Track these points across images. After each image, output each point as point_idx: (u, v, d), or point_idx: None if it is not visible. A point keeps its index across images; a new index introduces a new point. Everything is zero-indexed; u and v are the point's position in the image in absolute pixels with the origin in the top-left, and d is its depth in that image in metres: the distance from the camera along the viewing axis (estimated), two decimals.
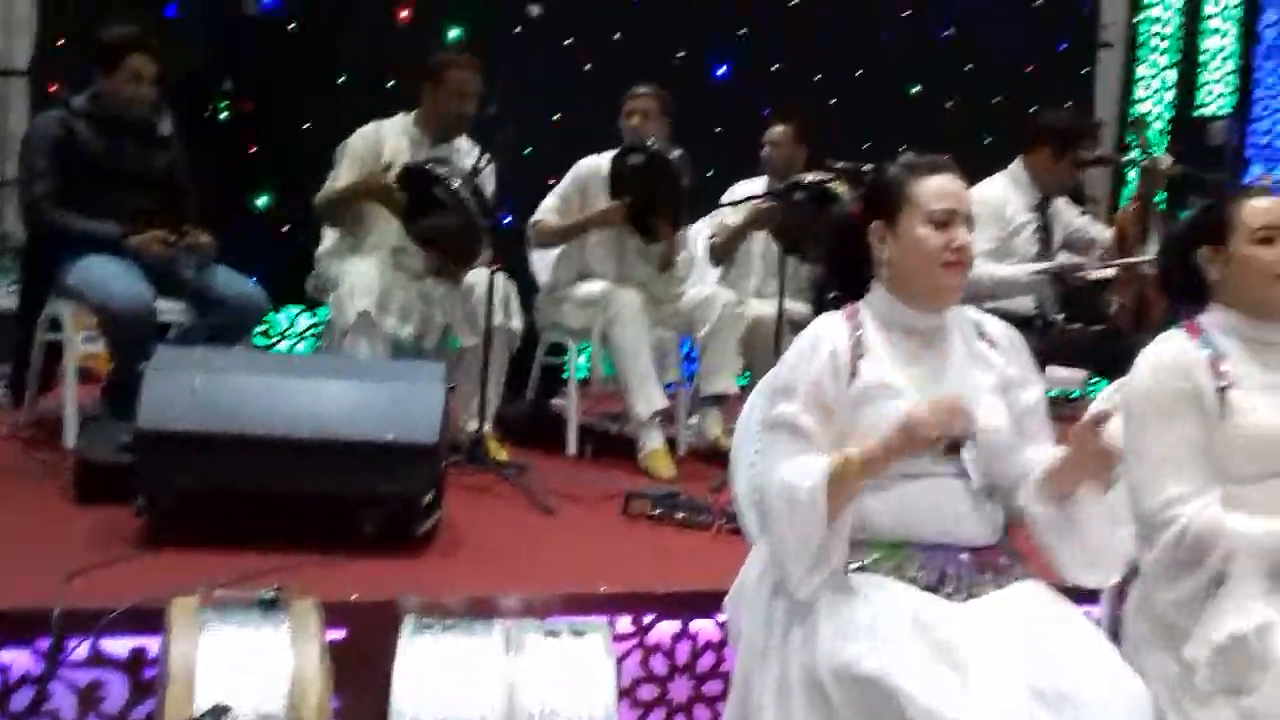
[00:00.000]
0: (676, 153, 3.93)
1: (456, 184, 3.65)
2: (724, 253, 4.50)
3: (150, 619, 2.04)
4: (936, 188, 1.92)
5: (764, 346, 4.07)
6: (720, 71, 6.07)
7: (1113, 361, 2.63)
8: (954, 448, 1.83)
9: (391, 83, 4.91)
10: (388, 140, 3.93)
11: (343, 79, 5.24)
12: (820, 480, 1.78)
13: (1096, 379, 3.85)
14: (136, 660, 2.17)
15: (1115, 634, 2.09)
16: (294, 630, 1.88)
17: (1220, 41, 7.50)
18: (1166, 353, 2.08)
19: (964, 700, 1.64)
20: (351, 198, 3.88)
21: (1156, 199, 4.37)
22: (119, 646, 2.17)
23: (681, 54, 5.88)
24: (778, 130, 4.54)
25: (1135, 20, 7.28)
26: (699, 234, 4.54)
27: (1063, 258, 4.07)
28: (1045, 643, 1.74)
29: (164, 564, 2.49)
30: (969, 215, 1.94)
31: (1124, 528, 2.12)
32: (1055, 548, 1.88)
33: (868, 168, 2.56)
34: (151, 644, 2.12)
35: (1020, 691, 1.66)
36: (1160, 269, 2.32)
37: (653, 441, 3.92)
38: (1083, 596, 1.99)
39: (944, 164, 1.96)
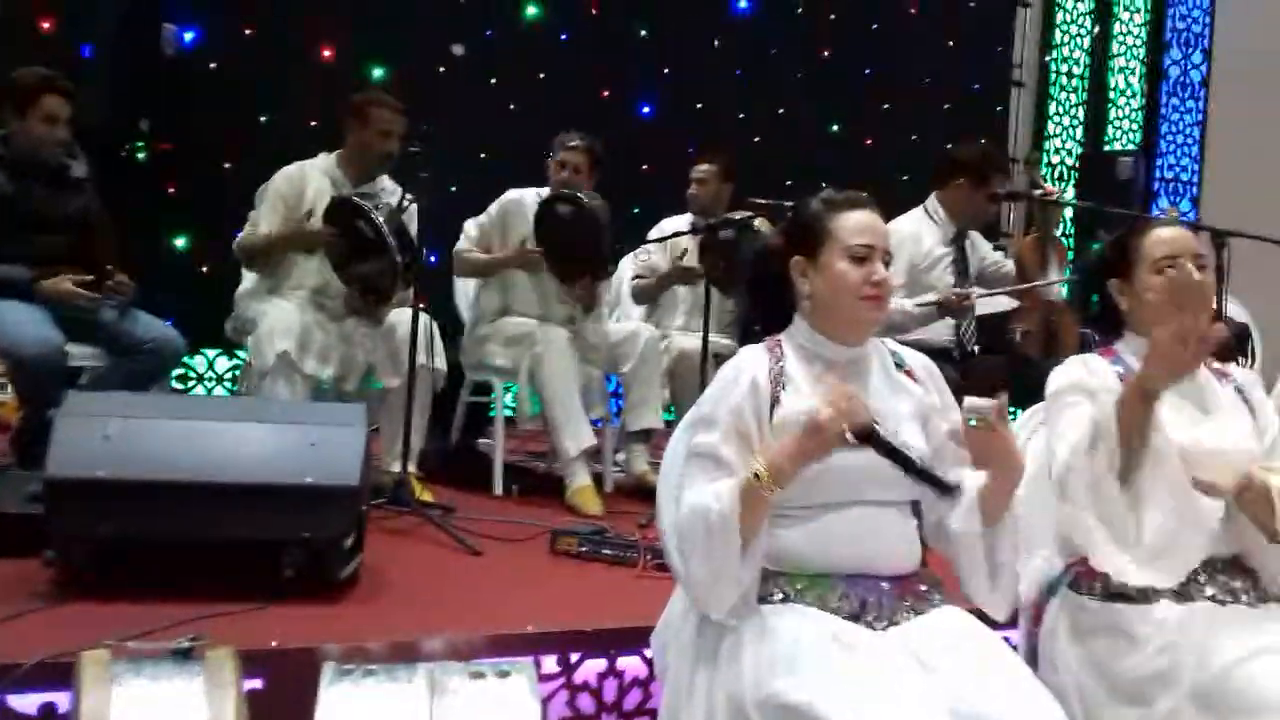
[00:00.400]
0: (599, 202, 3.94)
1: (380, 218, 3.63)
2: (649, 298, 4.55)
3: (60, 673, 1.98)
4: (856, 223, 1.96)
5: (689, 379, 4.10)
6: (645, 110, 6.13)
7: (1020, 389, 2.67)
8: (865, 436, 1.79)
9: (313, 123, 4.89)
10: (311, 180, 3.89)
11: (263, 119, 5.20)
12: (730, 501, 1.80)
13: (1013, 409, 3.91)
14: (47, 716, 2.10)
15: (1033, 658, 2.12)
16: (209, 680, 1.82)
17: (1127, 79, 7.76)
18: (1077, 360, 2.18)
19: None
20: (276, 250, 3.83)
21: (1057, 231, 4.49)
22: (28, 702, 2.10)
23: (607, 93, 5.93)
24: (703, 168, 4.59)
25: (1045, 60, 7.50)
26: (624, 272, 4.56)
27: (977, 291, 4.15)
28: (965, 667, 1.76)
29: (75, 616, 2.41)
30: (888, 251, 1.98)
31: (1039, 552, 2.16)
32: (966, 566, 1.92)
33: (790, 204, 2.58)
34: (62, 699, 2.06)
35: (942, 717, 1.67)
36: (1077, 300, 2.39)
37: (580, 479, 3.91)
38: (1000, 622, 2.01)
39: (863, 200, 2.00)
